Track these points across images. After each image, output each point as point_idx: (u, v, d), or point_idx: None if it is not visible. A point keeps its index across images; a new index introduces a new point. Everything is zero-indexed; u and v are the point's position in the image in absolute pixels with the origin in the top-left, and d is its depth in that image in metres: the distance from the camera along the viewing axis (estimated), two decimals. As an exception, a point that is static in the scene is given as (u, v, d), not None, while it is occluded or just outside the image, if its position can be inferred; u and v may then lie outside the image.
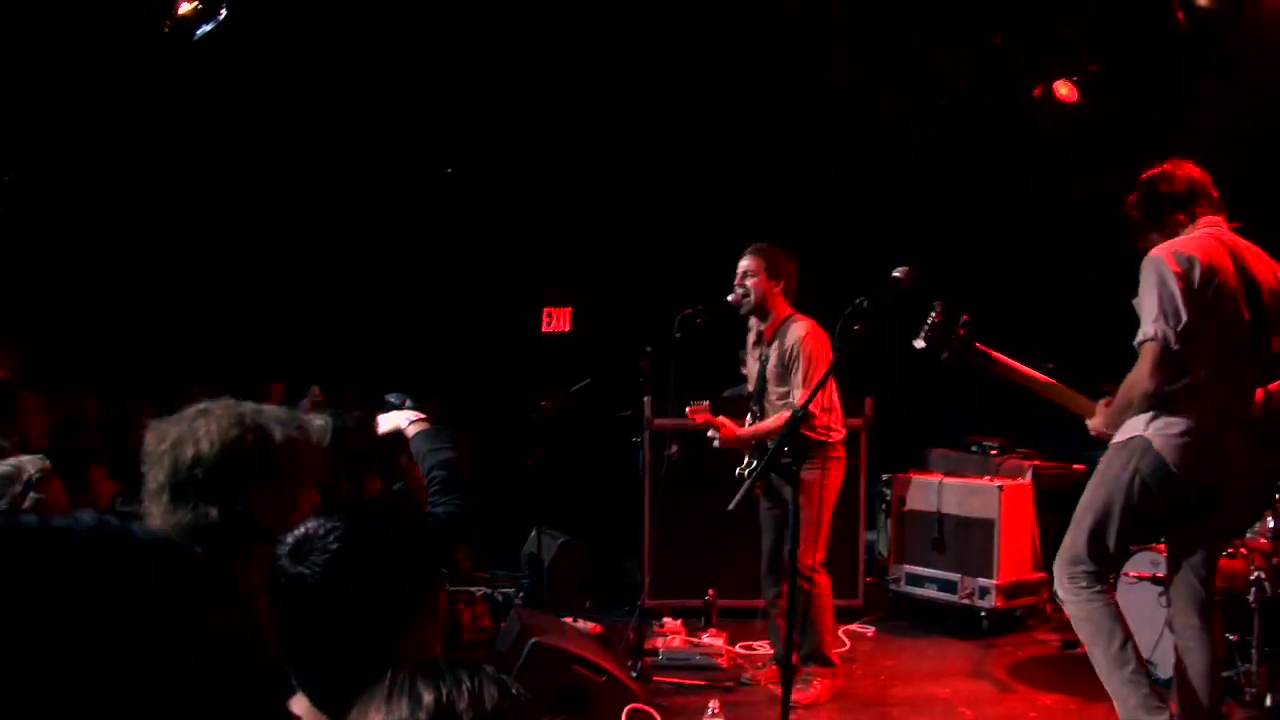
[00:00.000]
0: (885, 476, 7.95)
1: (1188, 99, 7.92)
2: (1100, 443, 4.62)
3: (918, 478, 7.61)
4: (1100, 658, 4.39)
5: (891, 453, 7.94)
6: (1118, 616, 4.39)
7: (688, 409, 5.74)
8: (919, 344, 4.72)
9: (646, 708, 5.11)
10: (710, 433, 5.78)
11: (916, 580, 7.43)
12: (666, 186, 9.51)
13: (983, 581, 7.04)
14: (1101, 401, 4.54)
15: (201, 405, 2.35)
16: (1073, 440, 6.48)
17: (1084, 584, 4.41)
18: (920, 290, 4.36)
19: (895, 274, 4.28)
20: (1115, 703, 4.37)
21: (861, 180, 9.11)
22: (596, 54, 8.05)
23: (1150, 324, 4.20)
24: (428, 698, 1.32)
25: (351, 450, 3.41)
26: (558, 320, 11.12)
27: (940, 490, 7.37)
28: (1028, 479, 7.38)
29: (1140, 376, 4.23)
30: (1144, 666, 4.35)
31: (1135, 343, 4.25)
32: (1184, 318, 4.15)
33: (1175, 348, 4.18)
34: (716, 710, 4.85)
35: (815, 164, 8.98)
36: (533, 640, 5.02)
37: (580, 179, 9.82)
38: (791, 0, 7.34)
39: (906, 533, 7.58)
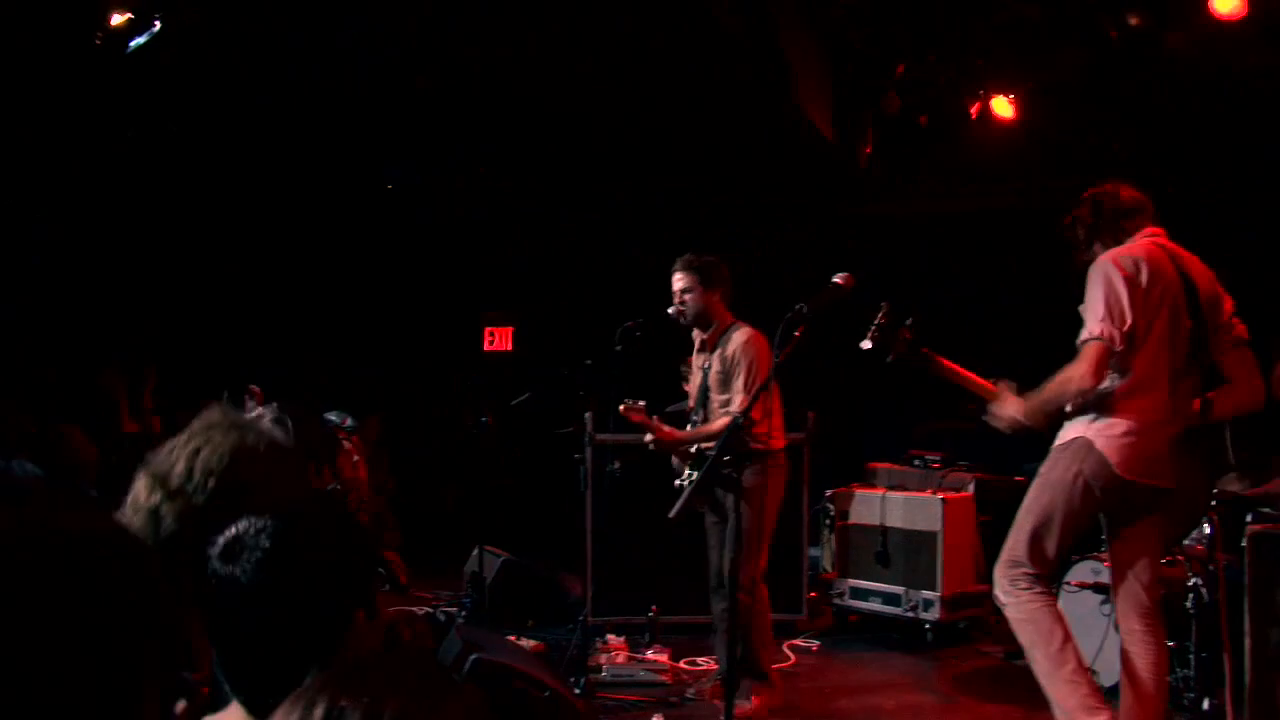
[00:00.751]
0: (829, 492, 7.95)
1: (1120, 114, 8.05)
2: (1042, 456, 4.62)
3: (860, 492, 7.61)
4: (1040, 659, 4.38)
5: (834, 467, 7.95)
6: (1058, 618, 4.38)
7: (621, 406, 5.68)
8: (865, 345, 4.71)
9: (590, 722, 5.04)
10: (647, 436, 5.73)
11: (860, 594, 7.42)
12: (606, 203, 9.50)
13: (926, 594, 7.04)
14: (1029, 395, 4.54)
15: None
16: (1014, 453, 6.53)
17: (1024, 586, 4.40)
18: (862, 296, 4.36)
19: (836, 279, 4.27)
20: (1053, 704, 4.35)
21: (799, 193, 9.15)
22: (531, 74, 8.01)
23: (1096, 323, 4.22)
24: (318, 711, 1.25)
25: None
26: (499, 339, 11.08)
27: (883, 504, 7.37)
28: (970, 491, 7.42)
29: (1080, 374, 4.24)
30: (1083, 667, 4.34)
31: (1078, 341, 4.27)
32: (1129, 319, 4.19)
33: (1119, 348, 4.21)
34: (661, 724, 4.79)
35: (755, 177, 9.01)
36: (473, 656, 4.92)
37: (521, 197, 9.78)
38: (730, 18, 7.33)
39: (850, 547, 7.57)
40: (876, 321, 4.73)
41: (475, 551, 7.58)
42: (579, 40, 7.46)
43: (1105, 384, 4.30)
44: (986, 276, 9.14)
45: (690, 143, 8.95)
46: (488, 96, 8.29)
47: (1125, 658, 4.46)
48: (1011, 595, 4.43)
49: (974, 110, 8.60)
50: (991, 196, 9.35)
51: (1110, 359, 4.22)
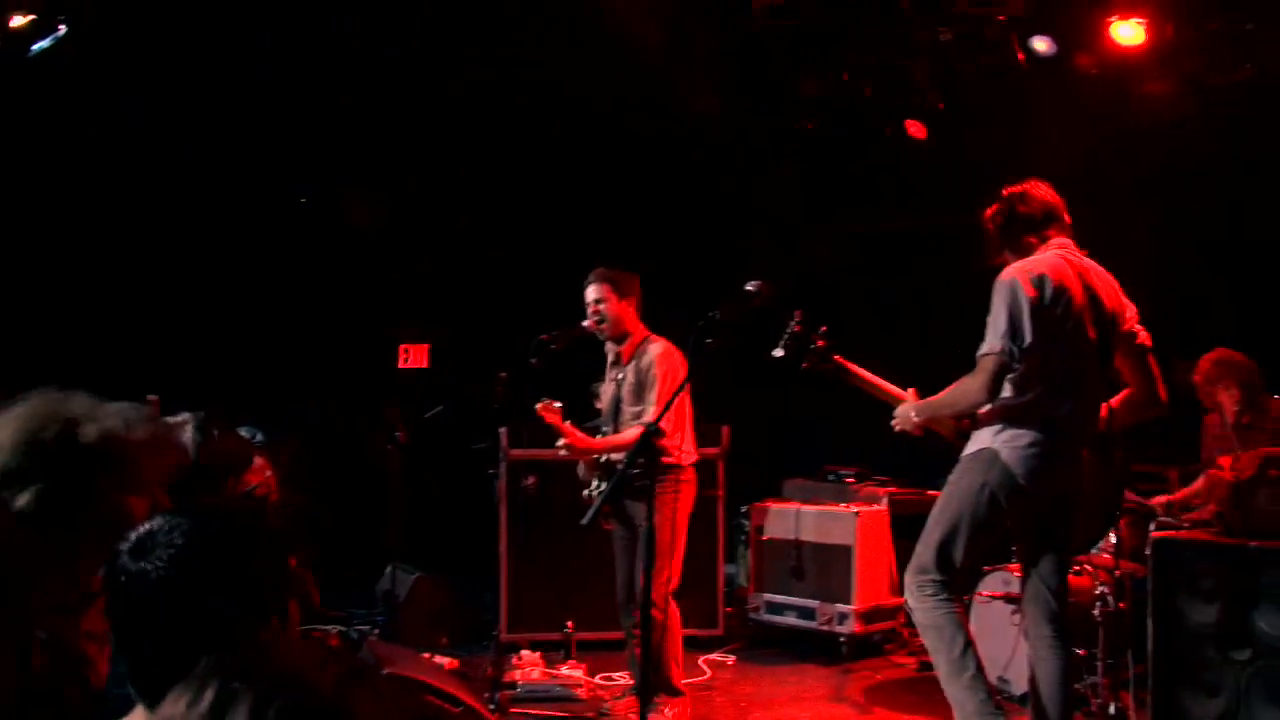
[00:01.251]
0: (744, 508, 7.97)
1: (1028, 137, 8.21)
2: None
3: (775, 506, 7.63)
4: (942, 664, 4.45)
5: (750, 484, 7.97)
6: (961, 625, 4.45)
7: (539, 404, 5.64)
8: (778, 353, 4.76)
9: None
10: (560, 442, 5.70)
11: (776, 609, 7.43)
12: (521, 218, 9.46)
13: (841, 607, 7.07)
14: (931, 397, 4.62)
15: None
16: (929, 468, 6.60)
17: (930, 593, 4.46)
18: (776, 305, 4.39)
19: (749, 287, 4.29)
20: (954, 708, 4.42)
21: (716, 207, 9.19)
22: (441, 85, 7.99)
23: (996, 339, 4.30)
24: (209, 693, 1.21)
25: (211, 455, 3.32)
26: (414, 357, 10.95)
27: (798, 518, 7.40)
28: (884, 505, 7.47)
29: (976, 387, 4.33)
30: (983, 673, 4.40)
31: (978, 354, 4.34)
32: (1028, 338, 4.27)
33: (1017, 365, 4.28)
34: (574, 737, 4.74)
35: (669, 193, 9.04)
36: (385, 671, 4.85)
37: (437, 211, 9.70)
38: (652, 31, 7.38)
39: (765, 561, 7.59)
40: (789, 330, 4.78)
41: (388, 570, 7.48)
42: (493, 52, 7.46)
43: (1011, 396, 4.37)
44: (904, 294, 9.26)
45: (606, 155, 8.97)
46: (398, 110, 8.24)
47: (1033, 664, 4.52)
48: (919, 601, 4.50)
49: (887, 131, 8.73)
50: (904, 217, 9.47)
51: (1005, 374, 4.30)
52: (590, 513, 4.47)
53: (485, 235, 9.75)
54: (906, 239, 9.29)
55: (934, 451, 4.84)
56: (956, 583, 4.59)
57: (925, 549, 4.51)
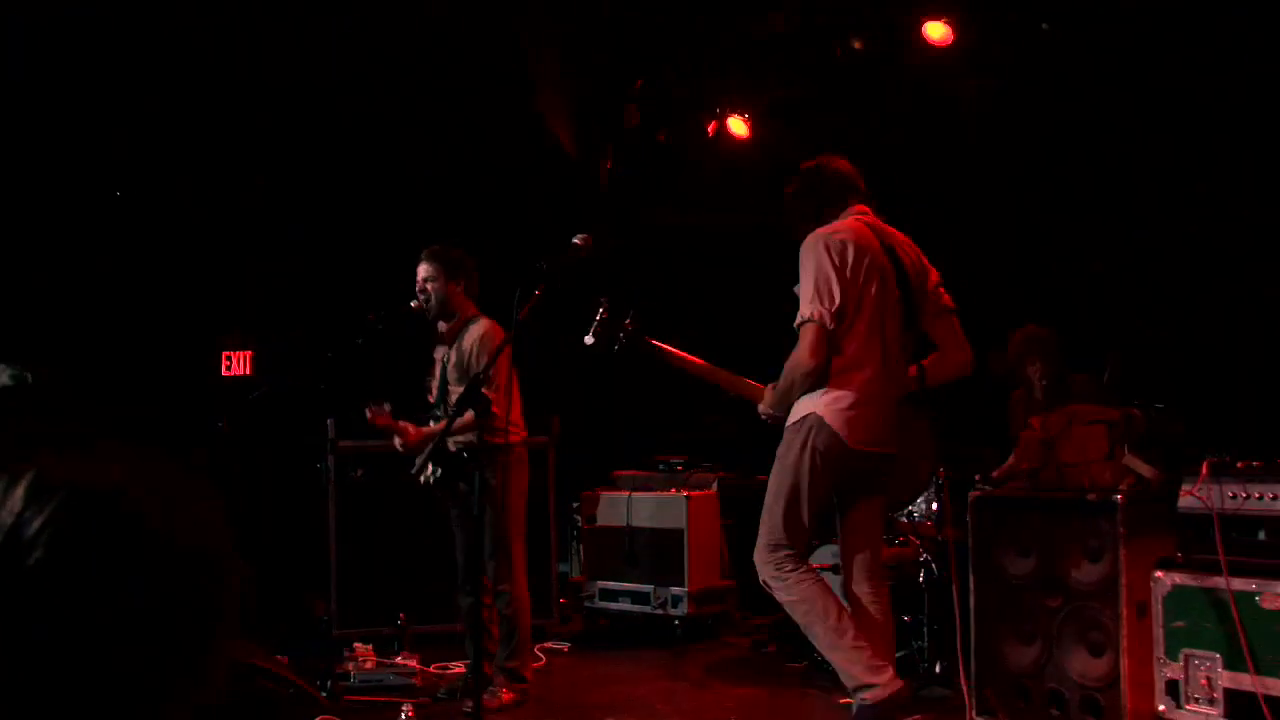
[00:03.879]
0: (575, 504, 7.99)
1: (847, 133, 8.46)
2: None
3: (606, 494, 7.68)
4: (821, 633, 4.45)
5: (581, 475, 7.99)
6: (828, 591, 4.48)
7: (368, 411, 5.55)
8: (589, 340, 4.80)
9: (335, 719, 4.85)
10: (395, 439, 5.62)
11: (610, 595, 7.47)
12: (353, 213, 9.28)
13: (674, 590, 7.15)
14: (769, 386, 4.72)
15: None
16: (755, 456, 6.73)
17: (789, 568, 4.47)
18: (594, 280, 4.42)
19: (575, 240, 4.32)
20: (840, 673, 4.46)
21: (539, 203, 9.20)
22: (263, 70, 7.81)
23: (807, 305, 4.42)
24: None
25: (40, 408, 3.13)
26: (237, 364, 10.63)
27: (629, 504, 7.46)
28: (714, 490, 7.58)
29: (801, 356, 4.44)
30: (861, 634, 4.44)
31: (795, 324, 4.46)
32: (837, 299, 4.38)
33: (830, 326, 4.40)
34: (410, 713, 4.67)
35: (494, 187, 9.01)
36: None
37: (262, 212, 9.44)
38: (477, 27, 7.37)
39: (597, 549, 7.62)
40: (598, 317, 4.83)
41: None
42: (319, 41, 7.33)
43: (827, 359, 4.47)
44: (730, 292, 9.40)
45: (440, 151, 8.89)
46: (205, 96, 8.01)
47: (857, 622, 4.60)
48: (779, 579, 4.49)
49: (711, 128, 8.90)
50: (728, 213, 9.63)
51: (825, 337, 4.40)
52: (418, 463, 4.43)
53: (315, 236, 9.53)
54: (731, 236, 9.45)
55: (760, 438, 4.93)
56: (809, 551, 4.66)
57: (773, 525, 4.53)
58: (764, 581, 4.59)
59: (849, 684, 4.41)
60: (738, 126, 8.81)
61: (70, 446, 1.06)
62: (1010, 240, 7.48)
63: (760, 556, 4.58)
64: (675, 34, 8.24)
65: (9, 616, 0.92)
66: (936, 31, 7.42)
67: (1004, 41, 7.36)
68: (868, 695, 4.32)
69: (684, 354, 4.92)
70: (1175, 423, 5.15)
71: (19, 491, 0.96)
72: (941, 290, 4.71)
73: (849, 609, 4.57)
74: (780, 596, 4.53)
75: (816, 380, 4.47)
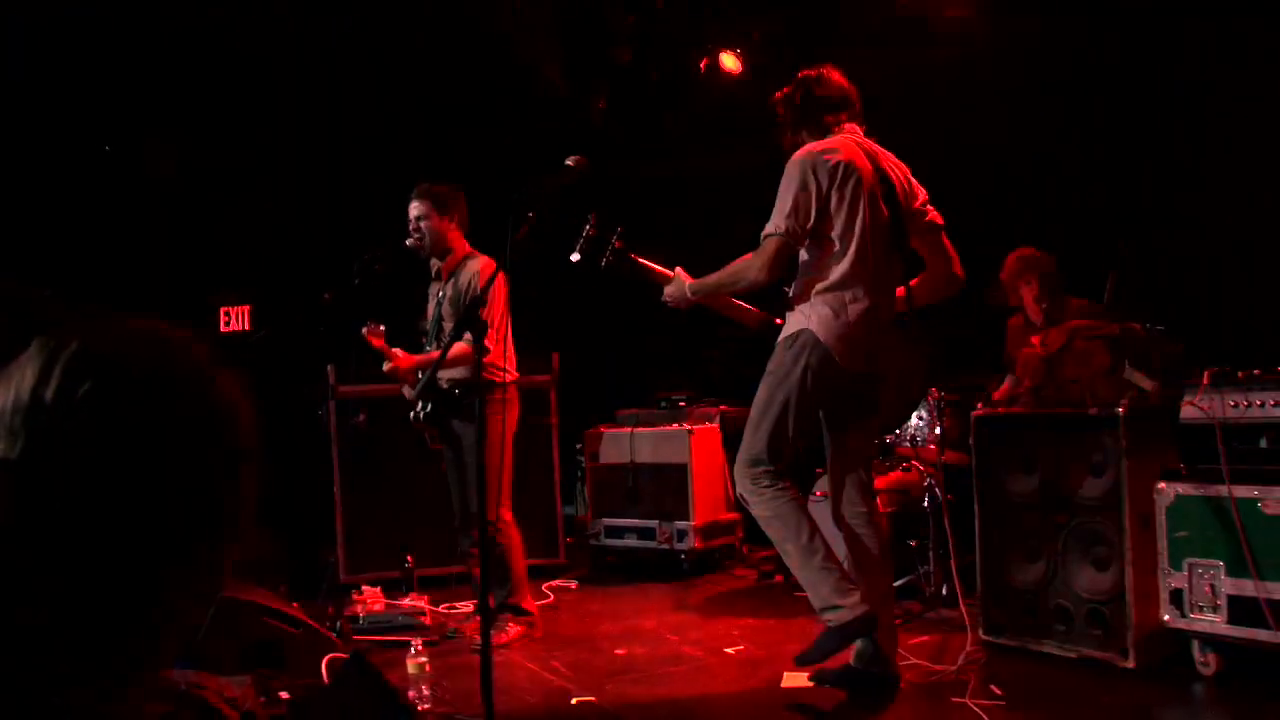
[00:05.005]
0: (579, 445, 7.99)
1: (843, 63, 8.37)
2: None
3: (609, 431, 7.68)
4: (792, 551, 4.43)
5: (584, 415, 7.99)
6: (803, 509, 4.44)
7: (364, 329, 5.52)
8: (575, 256, 4.74)
9: (346, 656, 4.88)
10: (385, 364, 5.60)
11: (616, 532, 7.50)
12: (343, 162, 9.23)
13: (680, 524, 7.17)
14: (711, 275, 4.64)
15: None
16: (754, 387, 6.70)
17: (766, 484, 4.44)
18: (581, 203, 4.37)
19: (568, 161, 4.27)
20: (809, 592, 4.41)
21: (530, 145, 9.14)
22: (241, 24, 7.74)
23: (780, 219, 4.31)
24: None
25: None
26: (235, 319, 10.62)
27: (633, 441, 7.47)
28: (715, 423, 7.58)
29: (757, 265, 4.34)
30: (833, 555, 4.43)
31: (762, 234, 4.36)
32: (813, 217, 4.31)
33: (799, 244, 4.35)
34: (419, 648, 4.69)
35: (486, 130, 8.95)
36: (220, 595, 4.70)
37: (253, 167, 9.39)
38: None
39: (602, 486, 7.64)
40: (584, 233, 4.77)
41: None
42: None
43: (819, 276, 4.40)
44: (722, 235, 9.34)
45: (424, 89, 8.82)
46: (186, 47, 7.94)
47: (852, 541, 4.57)
48: (755, 494, 4.47)
49: (702, 64, 8.82)
50: (724, 153, 9.55)
51: (787, 254, 4.33)
52: (417, 389, 4.41)
53: (305, 187, 9.48)
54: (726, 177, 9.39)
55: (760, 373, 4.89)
56: (790, 469, 4.64)
57: (755, 439, 4.50)
58: (740, 495, 4.58)
59: (816, 604, 4.36)
60: (730, 62, 8.73)
61: (103, 322, 1.10)
62: (1006, 168, 7.42)
63: (739, 470, 4.56)
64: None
65: (58, 475, 0.97)
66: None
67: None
68: (832, 617, 4.28)
69: (667, 270, 4.83)
70: (1174, 343, 5.13)
71: (61, 360, 1.02)
72: (929, 208, 4.64)
73: (840, 535, 4.57)
74: (755, 511, 4.50)
75: (807, 296, 4.39)
